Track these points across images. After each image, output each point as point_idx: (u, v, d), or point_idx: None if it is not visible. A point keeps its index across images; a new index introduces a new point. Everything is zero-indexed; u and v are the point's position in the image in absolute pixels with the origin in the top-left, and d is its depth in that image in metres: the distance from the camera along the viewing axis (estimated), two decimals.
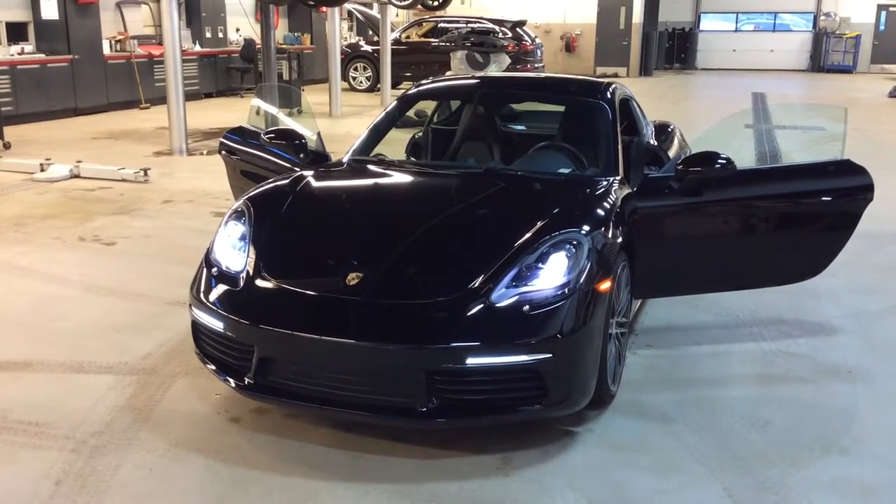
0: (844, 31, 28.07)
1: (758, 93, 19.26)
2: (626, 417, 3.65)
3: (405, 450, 3.34)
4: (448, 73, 16.55)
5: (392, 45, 16.96)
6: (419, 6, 16.52)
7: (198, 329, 3.63)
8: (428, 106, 5.65)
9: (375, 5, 17.76)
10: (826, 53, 28.37)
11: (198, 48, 16.75)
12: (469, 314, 3.20)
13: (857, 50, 28.00)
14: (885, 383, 4.07)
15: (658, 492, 3.10)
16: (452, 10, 21.72)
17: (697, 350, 4.43)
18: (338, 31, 15.07)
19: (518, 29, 19.60)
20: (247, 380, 3.36)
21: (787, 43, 29.54)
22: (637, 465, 3.27)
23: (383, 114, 5.05)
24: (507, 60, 17.53)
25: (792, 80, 25.20)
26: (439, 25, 20.40)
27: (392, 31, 17.99)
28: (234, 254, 3.66)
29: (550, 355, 3.17)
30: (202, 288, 3.59)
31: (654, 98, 18.05)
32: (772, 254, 4.33)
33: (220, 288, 3.54)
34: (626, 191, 4.13)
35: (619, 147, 4.44)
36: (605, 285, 3.43)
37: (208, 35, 17.24)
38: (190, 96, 13.38)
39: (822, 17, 28.59)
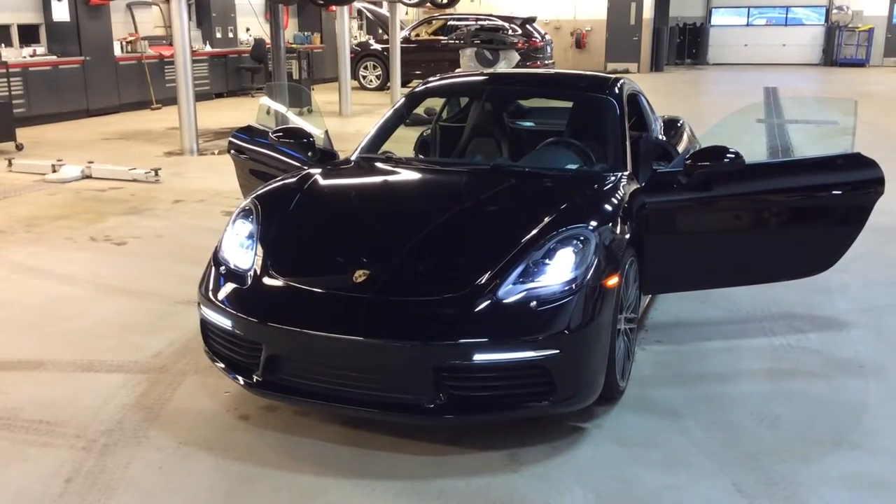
0: (857, 25, 27.85)
1: (770, 87, 19.14)
2: (635, 413, 3.64)
3: (413, 446, 3.35)
4: (457, 70, 16.53)
5: (402, 43, 16.96)
6: (428, 4, 16.53)
7: (207, 327, 3.64)
8: (437, 103, 5.64)
9: (385, 4, 17.78)
10: (839, 47, 28.14)
11: (208, 48, 16.81)
12: (476, 310, 3.20)
13: (870, 43, 27.75)
14: None
15: (667, 487, 3.09)
16: (462, 7, 21.69)
17: (707, 345, 4.41)
18: (347, 30, 15.08)
19: (528, 26, 19.57)
20: (255, 377, 3.38)
21: (800, 37, 29.33)
22: (646, 461, 3.26)
23: (391, 111, 5.05)
24: (517, 57, 17.50)
25: (804, 74, 25.05)
26: (449, 23, 20.38)
27: (402, 29, 18.00)
28: (242, 252, 3.68)
29: (558, 351, 3.16)
30: (211, 286, 3.60)
31: (666, 94, 17.98)
32: (782, 248, 4.31)
33: (229, 286, 3.55)
34: (635, 186, 4.12)
35: (628, 142, 4.43)
36: (613, 281, 3.42)
37: (218, 35, 17.30)
38: (200, 96, 13.44)
39: (834, 11, 28.38)
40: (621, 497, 3.03)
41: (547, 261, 3.36)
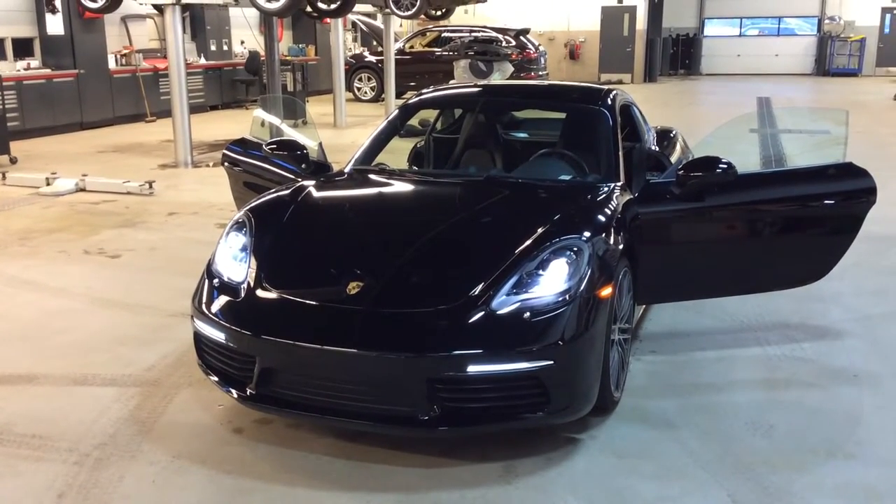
0: (849, 35, 28.00)
1: (763, 97, 19.22)
2: (630, 424, 3.64)
3: (408, 458, 3.34)
4: (452, 81, 16.57)
5: (396, 55, 17.00)
6: (422, 16, 16.55)
7: (200, 340, 3.63)
8: (431, 115, 5.66)
9: (379, 16, 17.81)
10: (831, 57, 28.28)
11: (203, 61, 16.85)
12: (470, 322, 3.20)
13: (863, 53, 27.90)
14: (890, 387, 4.04)
15: (662, 498, 3.08)
16: (456, 19, 21.79)
17: (701, 355, 4.41)
18: (341, 42, 15.11)
19: (521, 37, 19.64)
20: (249, 390, 3.37)
21: (792, 47, 29.47)
22: (641, 472, 3.26)
23: (385, 123, 5.06)
24: (511, 69, 17.54)
25: (797, 84, 25.14)
26: (443, 35, 20.44)
27: (396, 41, 18.04)
28: (236, 265, 3.67)
29: (552, 362, 3.16)
30: (204, 299, 3.60)
31: (659, 104, 18.04)
32: (775, 258, 4.32)
33: (222, 299, 3.54)
34: (628, 197, 4.13)
35: (620, 153, 4.44)
36: (607, 291, 3.43)
37: (213, 48, 17.33)
38: (195, 109, 13.45)
39: (826, 21, 28.52)
40: None
41: (540, 272, 3.36)
